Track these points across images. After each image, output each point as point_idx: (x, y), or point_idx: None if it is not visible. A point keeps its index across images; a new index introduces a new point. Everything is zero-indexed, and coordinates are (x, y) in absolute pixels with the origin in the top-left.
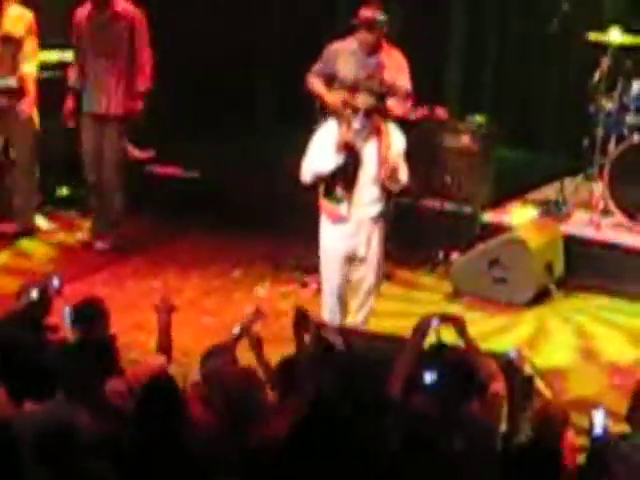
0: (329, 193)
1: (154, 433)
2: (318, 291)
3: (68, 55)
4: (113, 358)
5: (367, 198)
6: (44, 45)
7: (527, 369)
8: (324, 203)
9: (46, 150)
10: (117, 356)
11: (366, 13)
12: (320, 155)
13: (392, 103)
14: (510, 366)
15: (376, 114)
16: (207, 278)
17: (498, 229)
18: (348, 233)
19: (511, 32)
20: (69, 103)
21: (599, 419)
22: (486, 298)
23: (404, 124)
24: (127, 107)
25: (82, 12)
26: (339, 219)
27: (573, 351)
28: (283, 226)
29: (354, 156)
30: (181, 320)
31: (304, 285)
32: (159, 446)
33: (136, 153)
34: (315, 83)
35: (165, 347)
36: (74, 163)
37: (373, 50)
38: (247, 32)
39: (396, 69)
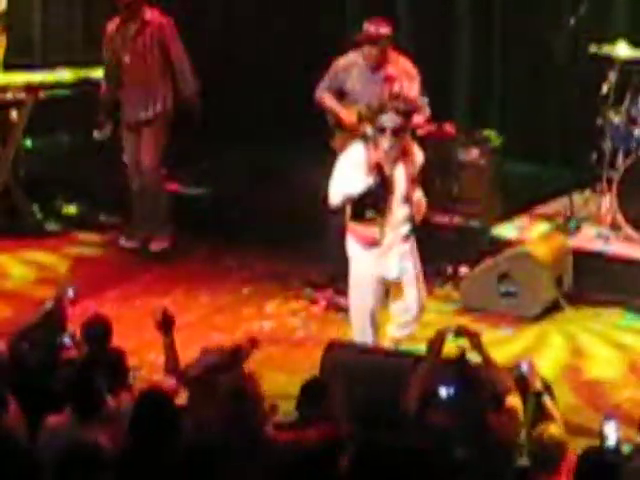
0: (360, 216)
1: (147, 445)
2: (327, 308)
3: (70, 73)
4: (123, 374)
5: (397, 218)
6: (60, 63)
7: (537, 384)
8: (354, 226)
9: (54, 168)
10: (126, 372)
11: (370, 28)
12: (349, 177)
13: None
14: (521, 379)
15: (403, 133)
16: (217, 295)
17: (507, 243)
18: (379, 255)
19: (518, 46)
20: (101, 115)
21: (611, 430)
22: (495, 313)
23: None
24: (164, 109)
25: (112, 26)
26: (371, 242)
27: (577, 364)
28: (292, 243)
29: (384, 177)
30: (191, 337)
31: (313, 302)
32: (152, 458)
33: None
34: (327, 99)
35: (173, 368)
36: (81, 181)
37: (379, 64)
38: (258, 47)
39: (406, 79)
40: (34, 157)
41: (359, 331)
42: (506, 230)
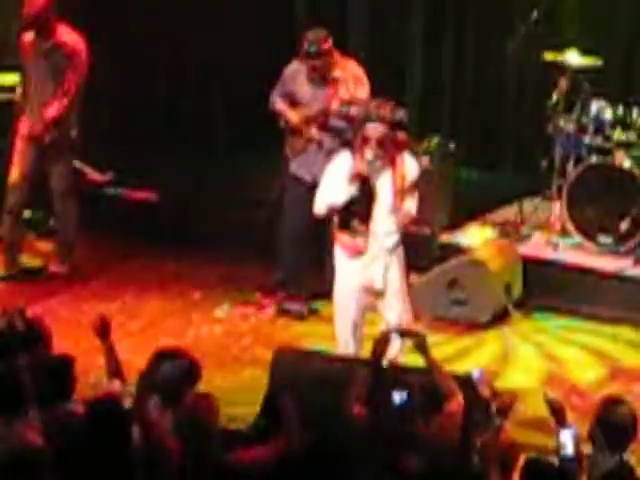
0: (345, 225)
1: (99, 451)
2: (277, 313)
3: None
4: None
5: (382, 230)
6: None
7: (486, 392)
8: (340, 236)
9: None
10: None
11: (305, 46)
12: (333, 186)
13: (354, 110)
14: (470, 386)
15: (389, 143)
16: (166, 300)
17: (457, 251)
18: (363, 266)
19: (468, 53)
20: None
21: (568, 439)
22: (445, 319)
23: None
24: (63, 134)
25: (28, 36)
26: (356, 252)
27: (531, 372)
28: (241, 248)
29: (367, 188)
30: (140, 342)
31: (262, 307)
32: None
33: (94, 176)
34: (277, 102)
35: (115, 372)
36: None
37: (325, 72)
38: (204, 52)
39: (353, 82)
40: None
41: (342, 342)
42: (456, 237)
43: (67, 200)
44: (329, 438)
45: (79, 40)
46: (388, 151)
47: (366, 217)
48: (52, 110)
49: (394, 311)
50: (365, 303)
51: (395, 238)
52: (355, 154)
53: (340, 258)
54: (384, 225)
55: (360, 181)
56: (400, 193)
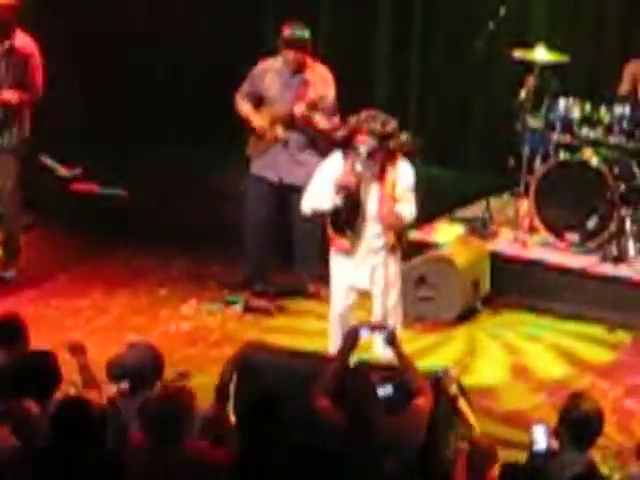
0: (336, 228)
1: (66, 449)
2: (244, 310)
3: None
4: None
5: (370, 233)
6: None
7: (453, 389)
8: (332, 234)
9: None
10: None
11: (288, 32)
12: (320, 190)
13: (318, 118)
14: (437, 384)
15: (380, 155)
16: (133, 296)
17: (425, 248)
18: (351, 265)
19: (437, 50)
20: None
21: (540, 435)
22: (412, 316)
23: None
24: (20, 138)
25: None
26: (344, 250)
27: (499, 368)
28: (209, 244)
29: (353, 199)
30: (107, 338)
31: (229, 303)
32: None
33: (63, 171)
34: (242, 104)
35: (91, 386)
36: None
37: (298, 68)
38: (173, 48)
39: (322, 85)
40: None
41: (330, 334)
42: (424, 234)
43: (13, 202)
44: (297, 433)
45: (33, 45)
46: (378, 162)
47: (353, 224)
48: (9, 94)
49: (377, 312)
50: (352, 301)
51: (383, 240)
52: (345, 164)
53: (333, 255)
54: (372, 229)
55: (347, 192)
56: (389, 199)
